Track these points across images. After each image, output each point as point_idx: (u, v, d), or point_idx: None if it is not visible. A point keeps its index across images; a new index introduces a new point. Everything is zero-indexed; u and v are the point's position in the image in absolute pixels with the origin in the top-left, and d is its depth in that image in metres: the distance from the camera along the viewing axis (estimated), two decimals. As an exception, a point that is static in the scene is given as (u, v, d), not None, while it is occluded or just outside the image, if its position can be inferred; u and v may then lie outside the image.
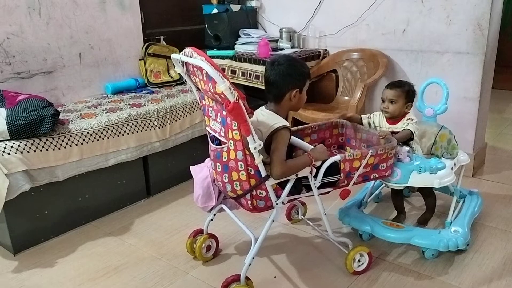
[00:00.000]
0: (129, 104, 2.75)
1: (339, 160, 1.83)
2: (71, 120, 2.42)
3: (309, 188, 1.85)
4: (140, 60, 3.26)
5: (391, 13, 3.06)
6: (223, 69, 3.29)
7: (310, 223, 2.32)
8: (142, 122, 2.63)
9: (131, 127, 2.57)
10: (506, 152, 3.41)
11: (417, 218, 2.33)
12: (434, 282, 1.92)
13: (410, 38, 3.01)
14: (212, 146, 1.85)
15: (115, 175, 2.58)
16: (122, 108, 2.65)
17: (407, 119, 2.13)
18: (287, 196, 1.79)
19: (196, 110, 2.92)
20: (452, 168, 2.11)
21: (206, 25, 3.59)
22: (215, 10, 3.56)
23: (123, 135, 2.53)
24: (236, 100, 1.52)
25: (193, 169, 2.01)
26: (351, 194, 1.92)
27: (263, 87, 3.07)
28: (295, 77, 1.79)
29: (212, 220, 2.08)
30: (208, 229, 2.12)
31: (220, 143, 1.78)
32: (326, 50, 3.41)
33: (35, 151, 2.17)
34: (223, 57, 3.31)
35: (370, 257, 1.99)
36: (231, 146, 1.69)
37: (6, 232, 2.17)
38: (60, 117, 2.36)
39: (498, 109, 4.46)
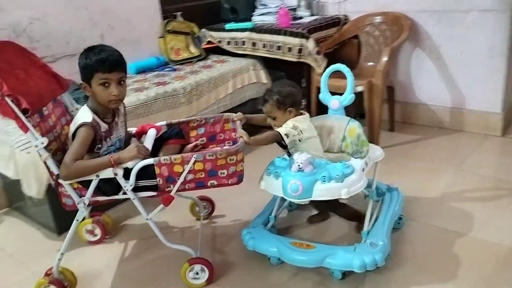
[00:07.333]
0: (154, 82, 2.76)
1: (154, 164, 1.66)
2: (101, 102, 2.44)
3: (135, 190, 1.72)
4: (160, 37, 3.25)
5: (412, -27, 2.98)
6: (243, 42, 3.26)
7: (203, 222, 2.25)
8: (169, 100, 2.64)
9: (159, 105, 2.58)
10: (533, 109, 3.36)
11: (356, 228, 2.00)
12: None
13: (433, -2, 2.94)
14: None
15: (148, 154, 2.61)
16: (148, 87, 2.66)
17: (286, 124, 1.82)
18: (97, 196, 1.72)
19: (221, 86, 2.91)
20: (363, 170, 1.75)
21: (221, -2, 3.55)
22: (230, -18, 3.51)
23: (152, 114, 2.54)
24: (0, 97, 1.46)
25: None
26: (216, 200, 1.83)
27: (285, 58, 3.12)
28: (80, 69, 1.69)
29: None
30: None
31: None
32: (346, 16, 3.35)
33: (70, 134, 2.20)
34: (242, 30, 3.27)
35: (205, 265, 1.79)
36: None
37: (50, 214, 2.23)
38: (90, 99, 2.38)
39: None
